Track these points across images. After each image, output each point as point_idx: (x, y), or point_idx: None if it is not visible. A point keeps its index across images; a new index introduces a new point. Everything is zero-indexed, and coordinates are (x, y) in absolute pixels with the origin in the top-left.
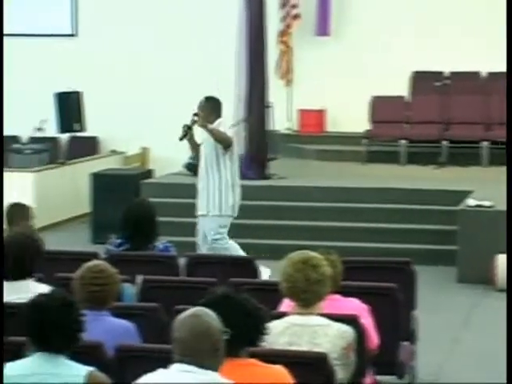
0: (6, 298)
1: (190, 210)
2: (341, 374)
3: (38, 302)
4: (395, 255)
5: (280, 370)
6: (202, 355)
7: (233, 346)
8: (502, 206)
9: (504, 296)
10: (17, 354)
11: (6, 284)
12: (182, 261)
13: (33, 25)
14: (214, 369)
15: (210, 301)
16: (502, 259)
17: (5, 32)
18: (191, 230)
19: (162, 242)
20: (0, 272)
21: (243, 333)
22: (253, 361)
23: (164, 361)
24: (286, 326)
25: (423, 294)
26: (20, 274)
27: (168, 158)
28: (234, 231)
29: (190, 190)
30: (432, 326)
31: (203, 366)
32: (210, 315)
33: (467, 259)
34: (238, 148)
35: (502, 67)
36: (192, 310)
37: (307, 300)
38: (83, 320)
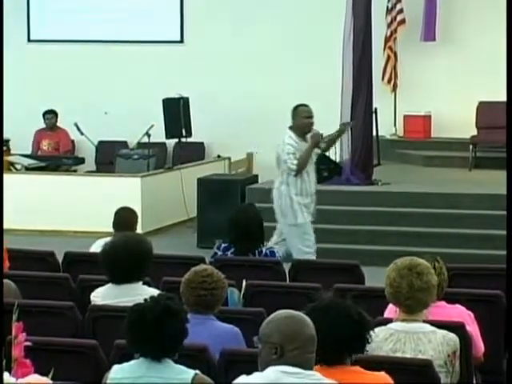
0: (115, 301)
1: None
2: (446, 381)
3: (141, 307)
4: (502, 262)
5: (384, 377)
6: (302, 355)
7: (338, 353)
8: None
9: None
10: (125, 356)
11: (115, 287)
12: (287, 266)
13: (142, 32)
14: (311, 367)
15: (316, 307)
16: None
17: (116, 39)
18: None
19: (267, 247)
20: (0, 272)
21: (348, 340)
22: (357, 368)
23: None
24: (390, 333)
25: None
26: (129, 278)
27: (273, 164)
28: (335, 237)
29: None
30: None
31: (303, 366)
32: (302, 315)
33: None
34: (343, 153)
35: None
36: (283, 311)
37: (411, 306)
38: (187, 325)
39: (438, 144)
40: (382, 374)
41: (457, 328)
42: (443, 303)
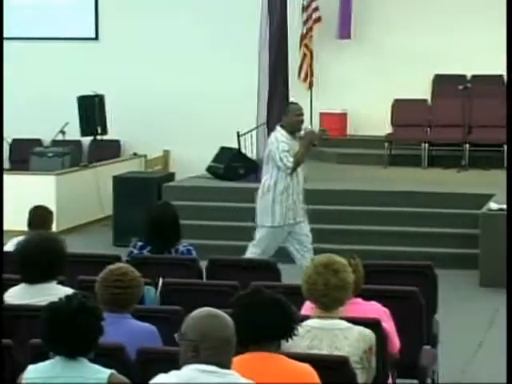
0: (30, 301)
1: (212, 212)
2: (361, 377)
3: (55, 306)
4: (417, 259)
5: (309, 368)
6: (219, 354)
7: (264, 339)
8: None
9: None
10: (41, 356)
11: (29, 287)
12: (203, 264)
13: (56, 29)
14: (229, 367)
15: (242, 296)
16: None
17: (30, 36)
18: (213, 232)
19: (183, 244)
20: None
21: (275, 326)
22: (283, 356)
23: None
24: (306, 330)
25: (445, 297)
26: (43, 277)
27: (189, 161)
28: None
29: (212, 193)
30: (454, 330)
31: (220, 365)
32: (223, 314)
33: (489, 263)
34: (259, 150)
35: None
36: (204, 309)
37: (326, 304)
38: (102, 323)
39: (353, 142)
40: (307, 365)
41: (373, 324)
42: (359, 300)
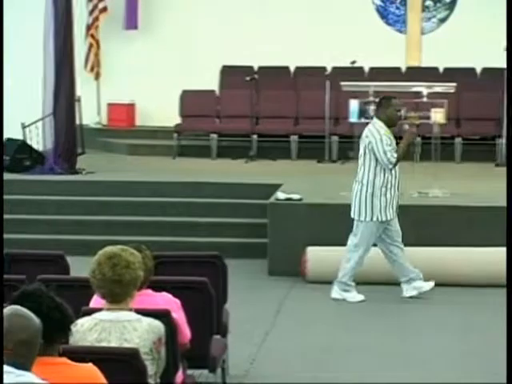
0: None
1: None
2: (152, 369)
3: None
4: (208, 249)
5: (91, 369)
6: (16, 355)
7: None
8: (311, 199)
9: (314, 287)
10: None
11: None
12: None
13: None
14: (28, 368)
15: (16, 297)
16: (311, 251)
17: None
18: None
19: None
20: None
21: (52, 329)
22: (63, 360)
23: None
24: (94, 323)
25: (235, 287)
26: None
27: None
28: (45, 228)
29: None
30: (244, 319)
31: (18, 365)
32: (29, 315)
33: (278, 252)
34: (46, 142)
35: (311, 62)
36: (11, 308)
37: (113, 296)
38: None
39: (142, 132)
40: (90, 365)
41: (163, 315)
42: (149, 291)
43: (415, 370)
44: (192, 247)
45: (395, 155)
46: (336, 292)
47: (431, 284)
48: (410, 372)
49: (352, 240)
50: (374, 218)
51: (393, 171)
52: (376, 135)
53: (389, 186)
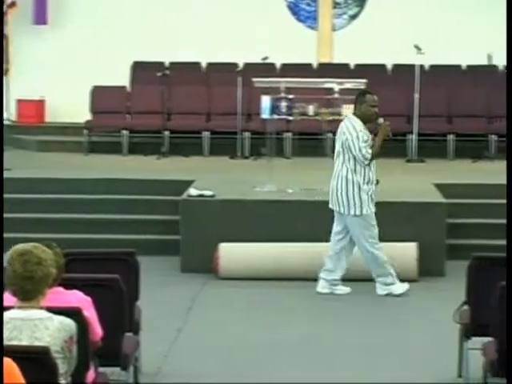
0: None
1: None
2: (63, 367)
3: None
4: (121, 246)
5: (11, 365)
6: None
7: None
8: (223, 195)
9: (226, 283)
10: None
11: None
12: None
13: None
14: None
15: None
16: (223, 248)
17: None
18: None
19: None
20: (0, 276)
21: None
22: None
23: None
24: (6, 321)
25: (148, 284)
26: None
27: None
28: None
29: None
30: (156, 317)
31: None
32: None
33: (190, 249)
34: None
35: (223, 58)
36: None
37: (24, 294)
38: None
39: (52, 129)
40: (8, 360)
41: (74, 313)
42: (60, 289)
43: (316, 369)
44: (106, 244)
45: (370, 151)
46: (379, 288)
47: (347, 290)
48: (309, 371)
49: (349, 241)
50: (364, 211)
51: (371, 166)
52: (352, 132)
53: (367, 180)
